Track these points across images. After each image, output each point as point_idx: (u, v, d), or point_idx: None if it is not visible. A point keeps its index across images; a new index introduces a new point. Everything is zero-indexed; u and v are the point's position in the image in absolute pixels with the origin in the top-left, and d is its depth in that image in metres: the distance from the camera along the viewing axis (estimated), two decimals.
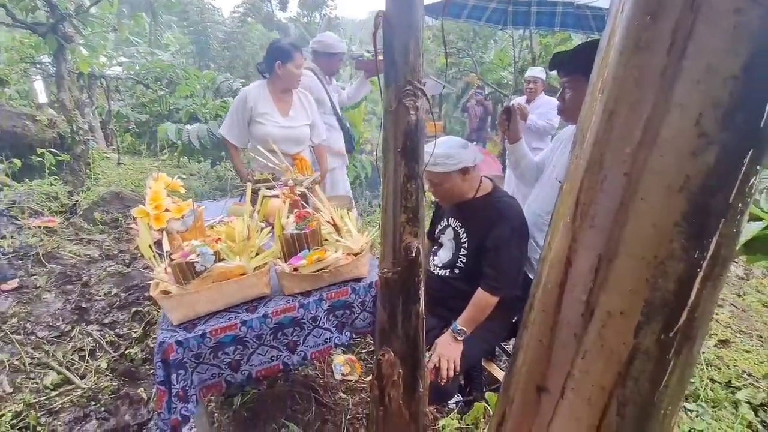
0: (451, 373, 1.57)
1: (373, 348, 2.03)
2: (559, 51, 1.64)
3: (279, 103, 2.39)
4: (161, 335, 1.18)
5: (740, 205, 0.50)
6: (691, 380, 2.07)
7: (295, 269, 1.33)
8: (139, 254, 2.90)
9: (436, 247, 1.92)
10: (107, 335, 2.26)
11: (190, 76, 6.56)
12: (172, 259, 1.23)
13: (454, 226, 1.79)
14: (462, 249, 1.74)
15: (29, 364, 2.00)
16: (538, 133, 3.47)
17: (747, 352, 2.41)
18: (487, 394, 1.63)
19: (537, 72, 3.70)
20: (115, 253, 3.14)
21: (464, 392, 1.85)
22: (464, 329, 1.61)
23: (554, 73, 1.73)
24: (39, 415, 1.76)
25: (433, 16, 4.19)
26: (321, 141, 2.64)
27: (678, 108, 0.48)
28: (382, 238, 1.07)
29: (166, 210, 1.40)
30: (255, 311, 1.28)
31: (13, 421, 1.70)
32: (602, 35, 0.59)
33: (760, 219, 1.04)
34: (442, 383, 1.58)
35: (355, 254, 1.43)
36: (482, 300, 1.62)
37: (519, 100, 3.78)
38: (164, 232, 1.38)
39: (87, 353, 2.12)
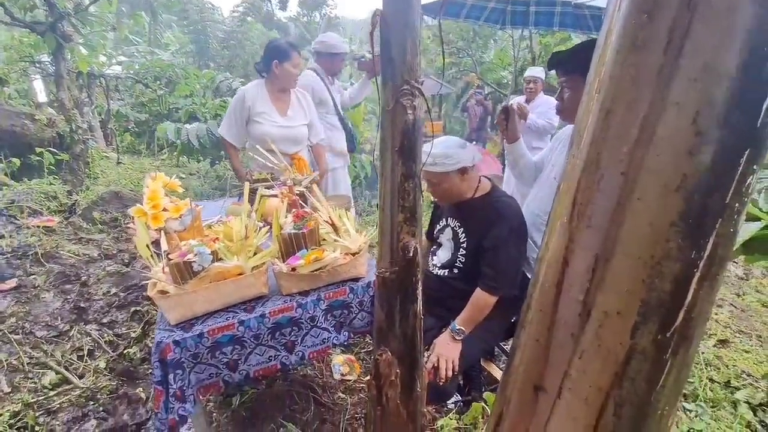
0: (450, 373, 1.57)
1: (372, 348, 2.03)
2: (557, 51, 1.64)
3: (277, 102, 2.39)
4: (158, 335, 1.18)
5: (737, 204, 0.49)
6: (690, 380, 2.07)
7: (293, 269, 1.33)
8: (138, 254, 2.90)
9: (434, 246, 1.91)
10: (106, 335, 2.26)
11: (190, 75, 6.56)
12: (169, 259, 1.23)
13: (452, 225, 1.79)
14: (461, 249, 1.74)
15: (27, 363, 2.00)
16: (538, 133, 3.47)
17: (746, 352, 2.41)
18: (486, 394, 1.63)
19: (536, 72, 3.69)
20: (114, 252, 3.14)
21: (463, 392, 1.85)
22: (463, 329, 1.61)
23: (553, 72, 1.73)
24: (37, 414, 1.75)
25: (432, 16, 4.19)
26: (319, 140, 2.64)
27: (675, 107, 0.48)
28: (380, 237, 1.07)
29: (164, 209, 1.39)
30: (253, 311, 1.28)
31: (12, 421, 1.70)
32: (599, 34, 0.59)
33: (758, 219, 1.04)
34: (441, 383, 1.57)
35: (353, 254, 1.42)
36: (481, 300, 1.62)
37: (518, 100, 3.78)
38: (162, 231, 1.38)
39: (85, 353, 2.12)
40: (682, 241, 0.50)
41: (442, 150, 1.58)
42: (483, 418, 1.54)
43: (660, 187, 0.50)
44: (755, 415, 1.91)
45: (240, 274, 1.28)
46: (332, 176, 3.03)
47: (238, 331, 1.24)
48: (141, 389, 1.91)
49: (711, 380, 2.11)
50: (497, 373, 1.80)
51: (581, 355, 0.59)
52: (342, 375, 1.96)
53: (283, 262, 1.36)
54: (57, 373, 1.97)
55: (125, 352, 2.14)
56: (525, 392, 0.68)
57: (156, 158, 6.58)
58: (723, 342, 2.48)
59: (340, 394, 1.89)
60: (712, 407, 1.93)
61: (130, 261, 3.03)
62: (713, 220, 0.49)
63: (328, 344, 1.41)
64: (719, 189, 0.49)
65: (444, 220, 1.84)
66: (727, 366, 2.24)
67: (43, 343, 2.14)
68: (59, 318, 2.32)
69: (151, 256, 1.25)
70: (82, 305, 2.44)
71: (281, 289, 1.36)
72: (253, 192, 1.54)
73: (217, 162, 5.26)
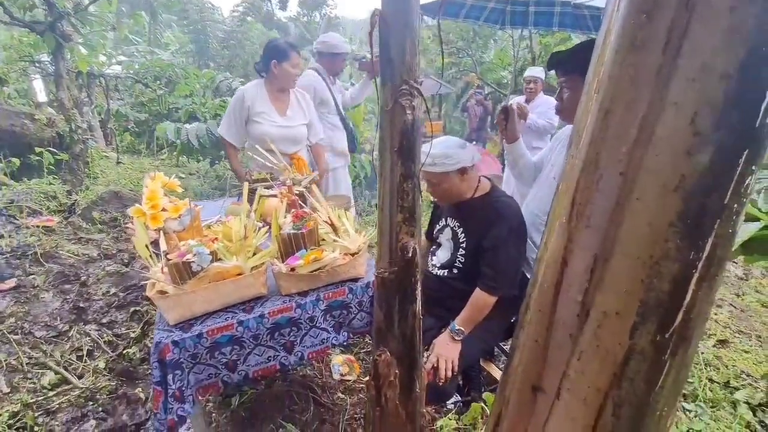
0: (450, 374, 1.57)
1: (371, 348, 2.03)
2: (557, 51, 1.64)
3: (276, 102, 2.39)
4: (157, 335, 1.17)
5: (736, 205, 0.49)
6: (690, 380, 2.07)
7: (292, 269, 1.33)
8: (137, 254, 2.90)
9: (434, 246, 1.91)
10: (105, 335, 2.26)
11: (190, 75, 6.56)
12: (168, 259, 1.23)
13: (452, 225, 1.79)
14: (460, 249, 1.74)
15: (27, 363, 2.00)
16: (539, 133, 3.47)
17: (746, 352, 2.41)
18: (485, 395, 1.63)
19: (536, 72, 3.69)
20: (114, 252, 3.14)
21: (463, 392, 1.85)
22: (462, 329, 1.61)
23: (553, 72, 1.73)
24: (36, 415, 1.75)
25: (431, 16, 4.19)
26: (318, 140, 2.64)
27: (673, 107, 0.48)
28: (379, 237, 1.06)
29: (163, 209, 1.39)
30: (252, 311, 1.28)
31: (11, 421, 1.70)
32: (598, 34, 0.59)
33: (757, 219, 1.04)
34: (441, 383, 1.57)
35: (353, 254, 1.42)
36: (480, 300, 1.61)
37: (518, 100, 3.78)
38: (161, 231, 1.38)
39: (85, 353, 2.12)
40: (680, 241, 0.50)
41: (441, 150, 1.58)
42: (482, 418, 1.54)
43: (659, 187, 0.50)
44: (755, 415, 1.91)
45: (239, 275, 1.28)
46: (333, 176, 3.03)
47: (237, 332, 1.23)
48: (140, 389, 1.90)
49: (710, 380, 2.11)
50: (497, 374, 1.80)
51: (580, 355, 0.59)
52: (341, 375, 1.96)
53: (282, 262, 1.36)
54: (56, 373, 1.96)
55: (124, 352, 2.13)
56: (524, 393, 0.68)
57: (156, 158, 6.58)
58: (722, 342, 2.48)
59: (340, 395, 1.88)
60: (712, 407, 1.93)
61: (130, 261, 3.03)
62: (712, 220, 0.49)
63: (327, 344, 1.40)
64: (718, 189, 0.49)
65: (443, 220, 1.84)
66: (726, 366, 2.24)
67: (42, 343, 2.13)
68: (58, 318, 2.32)
69: (150, 256, 1.25)
70: (81, 305, 2.44)
71: (280, 289, 1.36)
72: (252, 192, 1.54)
73: (216, 162, 5.26)
